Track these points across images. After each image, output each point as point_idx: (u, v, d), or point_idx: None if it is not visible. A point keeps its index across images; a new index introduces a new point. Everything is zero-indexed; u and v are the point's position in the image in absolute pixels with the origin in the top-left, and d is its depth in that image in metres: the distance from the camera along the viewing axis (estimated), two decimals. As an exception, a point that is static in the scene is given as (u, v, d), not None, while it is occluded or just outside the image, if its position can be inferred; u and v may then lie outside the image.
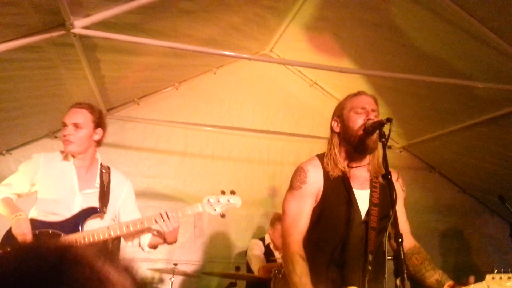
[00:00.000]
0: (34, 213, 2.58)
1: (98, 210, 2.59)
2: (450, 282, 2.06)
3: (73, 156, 2.66)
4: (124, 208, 2.75)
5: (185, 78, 5.14)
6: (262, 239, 4.57)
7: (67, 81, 3.77)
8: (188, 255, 4.87)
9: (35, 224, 2.49)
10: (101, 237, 2.49)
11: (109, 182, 2.72)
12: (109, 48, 3.51)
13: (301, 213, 2.15)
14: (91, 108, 2.68)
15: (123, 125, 4.91)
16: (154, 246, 2.76)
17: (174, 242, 2.67)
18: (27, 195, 2.69)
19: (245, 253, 4.62)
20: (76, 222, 2.54)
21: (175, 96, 5.15)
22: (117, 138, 4.82)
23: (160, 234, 2.66)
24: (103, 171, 2.74)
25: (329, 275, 2.13)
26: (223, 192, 2.80)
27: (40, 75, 3.45)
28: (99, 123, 2.68)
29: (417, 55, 3.89)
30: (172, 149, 5.07)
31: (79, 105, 2.67)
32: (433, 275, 2.14)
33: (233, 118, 5.27)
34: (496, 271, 1.98)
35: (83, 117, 2.61)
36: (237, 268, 4.40)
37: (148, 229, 2.67)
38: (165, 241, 2.65)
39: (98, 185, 2.67)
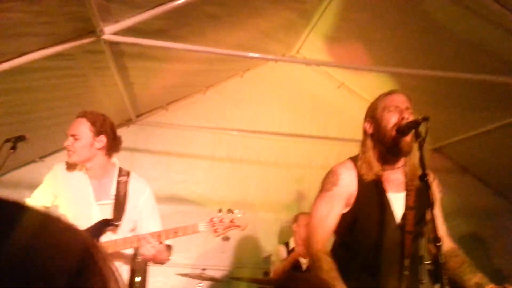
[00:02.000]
0: None
1: (110, 223, 2.53)
2: (492, 286, 1.97)
3: (83, 166, 2.62)
4: (141, 219, 2.65)
5: (213, 82, 5.16)
6: (287, 244, 4.54)
7: (97, 88, 3.82)
8: (216, 260, 4.86)
9: None
10: (111, 250, 2.43)
11: (126, 192, 2.62)
12: (137, 55, 3.55)
13: (328, 215, 2.10)
14: (91, 116, 2.62)
15: (152, 130, 4.96)
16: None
17: (162, 263, 2.59)
18: (52, 207, 2.68)
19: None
20: (91, 234, 2.48)
21: (203, 101, 5.18)
22: (145, 143, 4.88)
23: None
24: (121, 180, 2.65)
25: (363, 281, 2.07)
26: (230, 211, 2.57)
27: (71, 83, 3.51)
28: (100, 130, 2.59)
29: (449, 52, 3.79)
30: (200, 154, 5.09)
31: (80, 114, 2.64)
32: (472, 278, 2.04)
33: (261, 122, 5.26)
34: None
35: (80, 126, 2.58)
36: (266, 274, 4.37)
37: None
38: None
39: (113, 196, 2.60)
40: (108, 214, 2.55)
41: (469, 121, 4.70)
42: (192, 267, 4.51)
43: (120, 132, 4.71)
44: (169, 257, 2.63)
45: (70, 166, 2.66)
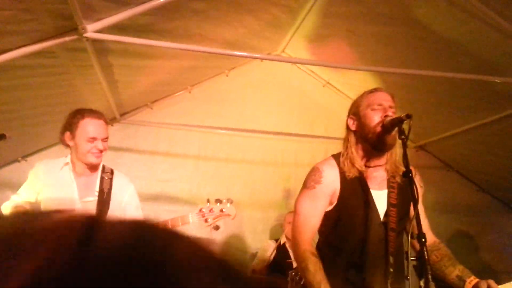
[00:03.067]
0: None
1: None
2: (472, 278, 1.99)
3: (74, 165, 2.63)
4: (125, 215, 2.66)
5: (198, 81, 5.14)
6: (277, 240, 4.55)
7: (80, 87, 3.78)
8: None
9: None
10: None
11: (110, 189, 2.65)
12: (121, 52, 3.51)
13: (313, 213, 2.11)
14: (103, 115, 2.67)
15: (137, 129, 4.92)
16: None
17: None
18: (36, 203, 2.68)
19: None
20: None
21: (188, 99, 5.15)
22: (130, 142, 4.84)
23: None
24: (105, 177, 2.68)
25: (349, 278, 2.08)
26: (218, 201, 2.63)
27: (53, 82, 3.46)
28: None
29: (433, 50, 3.82)
30: (185, 152, 5.06)
31: (98, 115, 2.62)
32: (454, 271, 2.07)
33: (247, 120, 5.25)
34: None
35: (106, 129, 2.63)
36: (253, 271, 4.38)
37: None
38: None
39: (97, 193, 2.62)
40: (92, 211, 2.52)
41: (452, 119, 4.75)
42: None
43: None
44: None
45: (55, 164, 2.66)
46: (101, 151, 2.56)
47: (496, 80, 3.64)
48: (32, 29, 2.51)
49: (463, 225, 5.57)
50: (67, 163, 2.64)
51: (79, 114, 2.57)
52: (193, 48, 3.24)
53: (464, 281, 1.99)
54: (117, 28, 2.81)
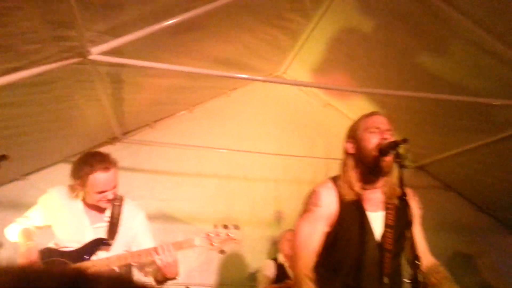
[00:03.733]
0: (51, 244, 2.67)
1: (104, 241, 2.61)
2: None
3: (83, 196, 2.68)
4: (137, 239, 2.72)
5: (199, 101, 5.20)
6: (275, 260, 4.55)
7: (82, 106, 3.81)
8: (201, 278, 4.83)
9: (50, 252, 2.58)
10: (102, 268, 2.48)
11: (119, 214, 2.70)
12: (123, 73, 3.57)
13: (312, 236, 2.12)
14: (112, 162, 2.66)
15: (139, 148, 4.95)
16: (159, 282, 2.64)
17: (174, 277, 2.56)
18: (45, 228, 2.74)
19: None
20: (83, 252, 2.57)
21: (190, 119, 5.20)
22: (132, 161, 4.86)
23: (159, 269, 2.54)
24: (115, 204, 2.72)
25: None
26: (225, 226, 2.68)
27: (56, 100, 3.49)
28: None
29: (430, 73, 3.88)
30: (187, 171, 5.09)
31: (106, 166, 2.59)
32: None
33: (248, 140, 5.29)
34: None
35: (116, 176, 2.64)
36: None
37: (153, 262, 2.57)
38: (164, 276, 2.53)
39: (108, 218, 2.69)
40: (102, 236, 2.63)
41: (451, 140, 4.79)
42: (174, 285, 4.47)
43: (106, 150, 4.74)
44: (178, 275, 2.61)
45: (67, 194, 2.70)
46: (109, 200, 2.62)
47: (494, 103, 3.69)
48: (36, 51, 2.56)
49: (463, 245, 5.55)
50: (77, 195, 2.68)
51: (88, 166, 2.55)
52: (194, 71, 3.29)
53: None
54: (119, 51, 2.86)
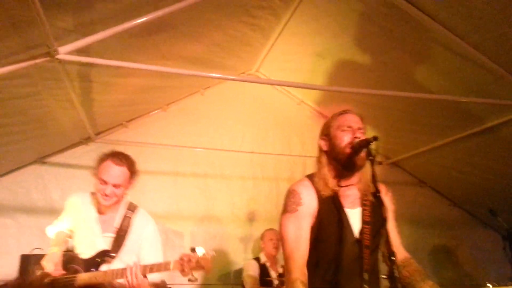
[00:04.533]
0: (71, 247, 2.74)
1: (108, 254, 2.63)
2: None
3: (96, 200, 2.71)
4: (142, 251, 2.72)
5: (173, 100, 5.15)
6: (257, 259, 4.55)
7: (53, 106, 3.73)
8: (183, 278, 4.79)
9: (69, 257, 2.66)
10: (103, 280, 2.50)
11: (128, 226, 2.72)
12: (93, 72, 3.51)
13: (301, 236, 2.09)
14: (129, 163, 2.70)
15: (113, 148, 4.85)
16: None
17: None
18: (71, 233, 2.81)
19: (240, 273, 4.61)
20: (92, 262, 2.62)
21: (164, 118, 5.15)
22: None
23: None
24: (127, 215, 2.74)
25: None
26: (193, 250, 2.49)
27: (26, 101, 3.42)
28: (134, 173, 2.73)
29: (402, 72, 3.94)
30: (162, 170, 5.03)
31: (119, 161, 2.64)
32: (423, 286, 2.11)
33: (223, 138, 5.27)
34: (489, 285, 1.96)
35: (124, 176, 2.64)
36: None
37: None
38: None
39: (116, 229, 2.70)
40: (109, 246, 2.66)
41: (423, 137, 4.88)
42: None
43: (79, 150, 4.68)
44: None
45: (86, 199, 2.77)
46: (107, 196, 2.60)
47: (463, 100, 3.77)
48: (4, 53, 2.50)
49: (440, 239, 5.68)
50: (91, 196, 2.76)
51: (105, 155, 2.69)
52: (166, 70, 3.27)
53: None
54: (88, 50, 2.81)
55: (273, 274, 4.42)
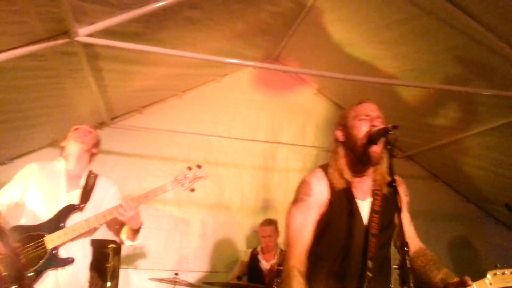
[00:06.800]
0: (22, 221, 2.72)
1: (75, 206, 2.75)
2: (456, 279, 2.01)
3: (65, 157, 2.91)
4: (106, 204, 2.87)
5: (189, 87, 5.16)
6: (255, 249, 4.61)
7: (70, 90, 3.76)
8: (194, 265, 4.84)
9: (22, 229, 2.64)
10: (82, 231, 2.65)
11: (93, 184, 2.92)
12: (113, 58, 3.52)
13: (305, 226, 2.10)
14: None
15: (127, 134, 4.90)
16: (130, 237, 2.84)
17: (138, 227, 2.77)
18: (18, 203, 2.81)
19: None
20: (58, 220, 2.68)
21: (179, 105, 5.16)
22: (120, 147, 4.82)
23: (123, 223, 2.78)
24: (91, 174, 2.96)
25: (329, 285, 2.09)
26: (189, 168, 2.99)
27: (44, 85, 3.45)
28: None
29: (424, 63, 3.88)
30: (175, 156, 5.05)
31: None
32: (438, 274, 2.09)
33: (237, 127, 5.27)
34: (499, 266, 1.95)
35: (93, 136, 3.07)
36: (239, 278, 4.38)
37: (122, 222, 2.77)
38: (131, 229, 2.77)
39: (82, 186, 2.86)
40: (75, 201, 2.78)
41: (440, 131, 4.81)
42: (166, 272, 4.47)
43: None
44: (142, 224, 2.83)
45: (46, 163, 2.95)
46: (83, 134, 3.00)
47: (484, 93, 3.69)
48: (22, 31, 2.51)
49: (448, 233, 5.63)
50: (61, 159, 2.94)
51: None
52: (185, 55, 3.25)
53: (448, 283, 2.01)
54: (108, 33, 2.81)
55: (264, 264, 4.44)
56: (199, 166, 3.00)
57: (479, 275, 2.03)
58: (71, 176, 2.87)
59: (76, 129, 3.02)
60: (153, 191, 2.84)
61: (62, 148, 3.01)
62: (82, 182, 2.88)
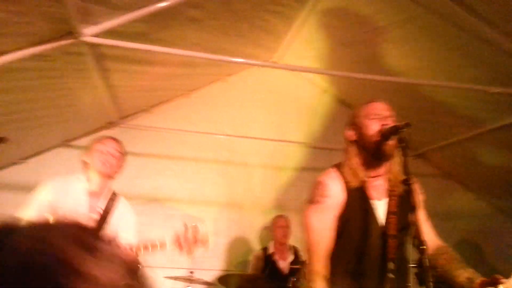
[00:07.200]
0: None
1: None
2: (482, 279, 1.97)
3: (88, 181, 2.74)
4: (122, 234, 2.78)
5: (196, 87, 5.16)
6: (265, 249, 4.57)
7: (77, 91, 3.76)
8: (208, 263, 4.83)
9: None
10: None
11: (112, 208, 2.79)
12: (119, 57, 3.51)
13: (325, 228, 2.08)
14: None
15: (136, 133, 4.91)
16: None
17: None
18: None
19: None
20: None
21: (187, 105, 5.16)
22: (129, 146, 4.76)
23: None
24: (110, 198, 2.82)
25: (347, 286, 2.06)
26: (185, 227, 2.65)
27: (51, 85, 3.45)
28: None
29: (429, 61, 3.82)
30: (184, 156, 5.05)
31: (114, 140, 2.87)
32: (463, 274, 2.04)
33: (245, 126, 5.25)
34: None
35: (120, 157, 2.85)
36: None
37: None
38: None
39: (100, 210, 2.75)
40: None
41: (451, 128, 4.75)
42: (181, 270, 4.46)
43: (103, 134, 4.72)
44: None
45: (65, 181, 2.77)
46: (109, 164, 2.75)
47: (494, 90, 3.64)
48: (27, 32, 2.50)
49: (461, 232, 5.55)
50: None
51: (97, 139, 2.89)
52: (190, 54, 3.23)
53: (475, 283, 1.97)
54: (114, 34, 2.79)
55: (282, 263, 4.39)
56: (201, 223, 2.67)
57: (492, 274, 1.99)
58: (92, 195, 2.75)
59: (102, 142, 2.77)
60: (154, 245, 2.62)
61: (85, 165, 2.77)
62: (101, 204, 2.76)
